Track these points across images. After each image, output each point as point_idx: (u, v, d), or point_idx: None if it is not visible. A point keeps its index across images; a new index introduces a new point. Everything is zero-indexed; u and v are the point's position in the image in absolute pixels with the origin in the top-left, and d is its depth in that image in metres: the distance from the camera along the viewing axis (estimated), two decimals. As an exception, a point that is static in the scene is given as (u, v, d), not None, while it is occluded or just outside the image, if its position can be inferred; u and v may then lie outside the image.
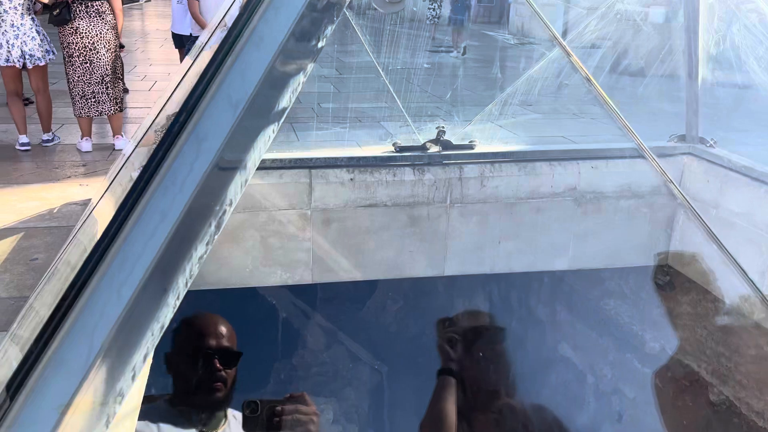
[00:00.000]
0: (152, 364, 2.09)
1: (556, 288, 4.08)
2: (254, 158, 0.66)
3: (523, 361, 4.16)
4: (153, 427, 2.22)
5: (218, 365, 2.37)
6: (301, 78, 0.70)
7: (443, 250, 2.68)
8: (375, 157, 2.51)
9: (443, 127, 2.61)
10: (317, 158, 2.44)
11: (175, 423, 2.28)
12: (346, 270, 2.57)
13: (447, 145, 2.62)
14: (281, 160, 2.42)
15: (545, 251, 2.84)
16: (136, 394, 1.59)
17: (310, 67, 0.71)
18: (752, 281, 2.30)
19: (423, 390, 4.20)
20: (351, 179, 2.47)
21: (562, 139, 3.53)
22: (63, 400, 0.50)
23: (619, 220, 2.82)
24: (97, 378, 0.52)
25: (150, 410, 2.28)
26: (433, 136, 2.61)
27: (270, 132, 0.66)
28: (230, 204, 0.67)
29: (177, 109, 0.64)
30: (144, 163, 0.61)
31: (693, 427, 3.32)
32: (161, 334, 0.64)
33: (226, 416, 2.42)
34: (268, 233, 2.45)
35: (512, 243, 2.77)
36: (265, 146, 0.68)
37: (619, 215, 2.80)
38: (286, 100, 0.68)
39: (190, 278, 0.65)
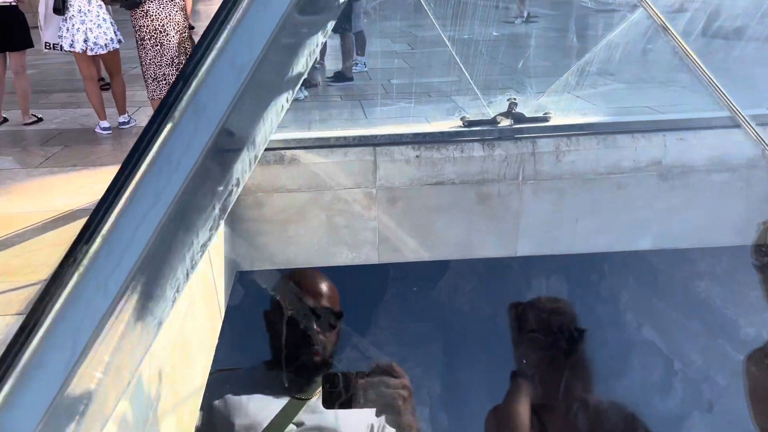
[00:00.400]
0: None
1: (640, 269, 3.85)
2: (264, 132, 0.58)
3: (604, 347, 3.96)
4: (242, 397, 2.13)
5: (316, 327, 2.25)
6: (319, 38, 0.60)
7: (515, 229, 2.55)
8: (442, 133, 2.40)
9: (515, 99, 2.46)
10: (381, 135, 2.35)
11: (268, 389, 2.19)
12: (413, 250, 2.48)
13: (519, 118, 2.47)
14: (345, 138, 2.35)
15: (627, 230, 2.64)
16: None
17: (329, 25, 0.62)
18: None
19: (496, 374, 4.08)
20: (417, 156, 2.37)
21: (647, 109, 3.27)
22: (41, 405, 0.45)
23: (710, 196, 2.58)
24: (80, 383, 0.46)
25: (239, 377, 2.25)
26: (504, 108, 2.46)
27: (283, 101, 0.57)
28: (237, 184, 0.58)
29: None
30: (136, 140, 0.53)
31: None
32: (158, 331, 0.57)
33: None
34: (334, 212, 2.40)
35: (591, 221, 2.60)
36: (277, 118, 0.59)
37: (710, 191, 2.57)
38: (302, 65, 0.58)
39: (192, 268, 0.57)
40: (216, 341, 1.84)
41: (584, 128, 2.47)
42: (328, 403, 1.68)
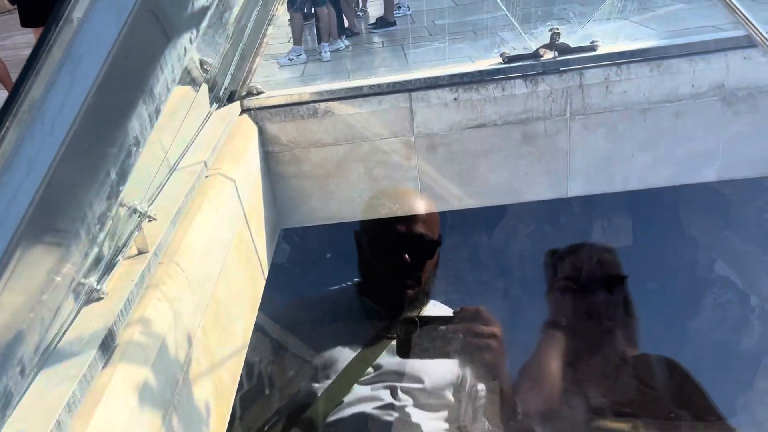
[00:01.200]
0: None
1: (707, 202, 3.62)
2: (164, 80, 0.50)
3: (674, 287, 3.80)
4: (316, 327, 2.06)
5: (408, 259, 2.16)
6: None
7: (565, 168, 2.42)
8: (480, 72, 2.28)
9: (557, 29, 2.30)
10: (416, 79, 2.26)
11: (350, 320, 2.10)
12: (457, 197, 2.41)
13: (563, 50, 2.31)
14: (378, 86, 2.27)
15: (689, 161, 2.47)
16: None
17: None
18: None
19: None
20: (455, 99, 2.26)
21: (711, 29, 3.00)
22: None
23: (781, 119, 2.37)
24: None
25: (312, 305, 2.19)
26: (547, 40, 2.31)
27: (185, 43, 0.50)
28: (137, 144, 0.52)
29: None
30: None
31: None
32: (62, 335, 0.53)
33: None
34: (372, 164, 2.35)
35: (647, 155, 2.43)
36: (179, 63, 0.51)
37: (781, 113, 2.35)
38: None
39: (95, 245, 0.52)
40: (258, 301, 1.85)
41: (635, 55, 2.29)
42: (404, 350, 1.54)
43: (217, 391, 1.37)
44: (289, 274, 2.86)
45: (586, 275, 2.30)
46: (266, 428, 1.90)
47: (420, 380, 1.93)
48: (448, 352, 1.62)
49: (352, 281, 2.25)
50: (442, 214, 2.81)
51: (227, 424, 1.45)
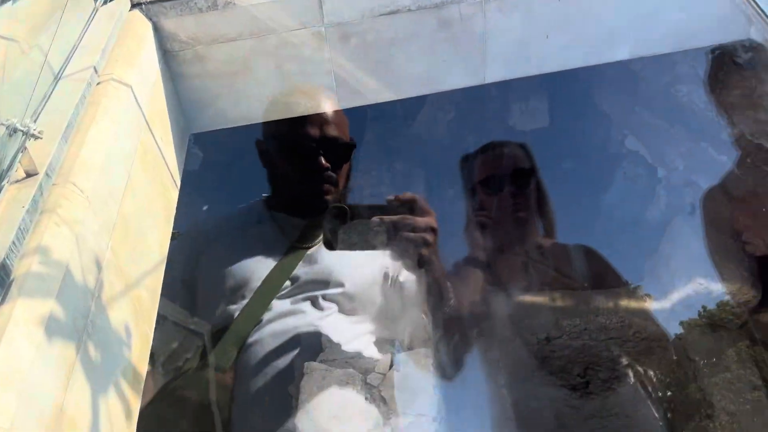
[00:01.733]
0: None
1: (620, 80, 3.69)
2: None
3: (589, 163, 3.93)
4: (226, 251, 1.98)
5: (324, 163, 2.04)
6: None
7: (482, 53, 2.37)
8: (389, -47, 2.14)
9: None
10: (321, -37, 2.10)
11: (260, 237, 2.02)
12: (374, 90, 2.33)
13: (475, -74, 2.19)
14: (280, -28, 2.10)
15: (602, 41, 2.46)
16: None
17: None
18: None
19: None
20: (366, -17, 2.13)
21: None
22: None
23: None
24: None
25: (219, 228, 2.10)
26: None
27: None
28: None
29: None
30: None
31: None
32: None
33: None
34: (282, 59, 2.21)
35: (562, 36, 2.41)
36: None
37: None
38: None
39: None
40: (172, 212, 1.76)
41: (548, -70, 2.20)
42: (333, 242, 1.46)
43: (136, 311, 1.32)
44: (204, 181, 2.75)
45: (497, 174, 2.33)
46: (186, 357, 1.83)
47: (341, 284, 1.88)
48: (378, 245, 1.56)
49: (261, 198, 2.17)
50: (361, 109, 2.73)
51: (151, 341, 1.41)
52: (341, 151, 2.02)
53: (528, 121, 4.40)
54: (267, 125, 2.17)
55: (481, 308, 2.28)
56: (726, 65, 2.97)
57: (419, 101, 4.22)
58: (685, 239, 3.40)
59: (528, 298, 2.93)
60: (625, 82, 3.69)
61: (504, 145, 2.65)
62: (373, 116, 4.24)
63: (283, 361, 1.75)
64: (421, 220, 1.54)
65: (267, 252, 1.93)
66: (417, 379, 2.23)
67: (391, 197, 1.58)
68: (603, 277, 2.53)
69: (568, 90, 3.88)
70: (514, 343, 2.73)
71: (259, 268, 1.89)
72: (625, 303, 3.53)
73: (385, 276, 1.99)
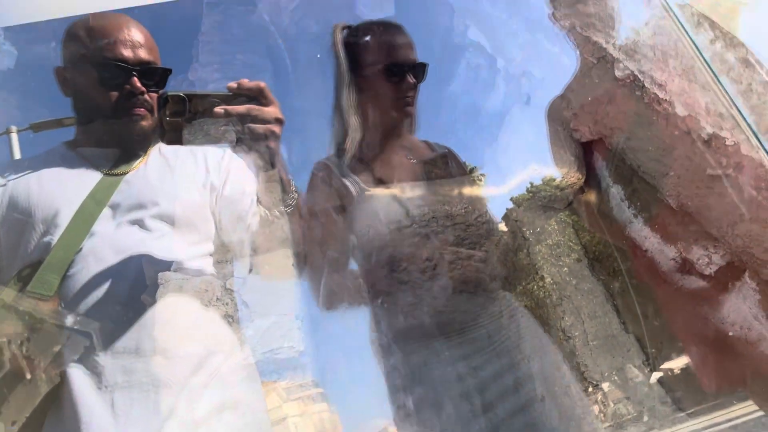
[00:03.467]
0: None
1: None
2: None
3: (432, 55, 3.97)
4: (30, 183, 1.78)
5: (139, 86, 1.88)
6: None
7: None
8: None
9: None
10: None
11: (71, 170, 1.86)
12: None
13: None
14: None
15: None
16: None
17: None
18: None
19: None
20: None
21: None
22: None
23: None
24: None
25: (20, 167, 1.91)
26: None
27: None
28: None
29: None
30: None
31: (600, 101, 3.37)
32: None
33: (145, 151, 1.99)
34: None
35: None
36: None
37: None
38: None
39: None
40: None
41: None
42: (171, 136, 1.36)
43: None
44: (19, 78, 2.42)
45: (403, 62, 2.26)
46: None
47: (166, 204, 1.79)
48: (224, 140, 1.47)
49: (60, 144, 1.95)
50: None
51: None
52: (157, 76, 1.87)
53: (375, 8, 4.32)
54: (69, 50, 1.92)
55: (334, 203, 2.30)
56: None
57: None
58: (522, 128, 3.63)
59: (381, 191, 3.01)
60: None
61: (400, 31, 2.55)
62: (212, 2, 3.92)
63: (118, 283, 1.65)
64: (267, 110, 1.47)
65: (78, 186, 1.77)
66: (277, 280, 2.24)
67: (234, 84, 1.48)
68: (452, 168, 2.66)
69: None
70: (368, 235, 2.81)
71: (71, 200, 1.73)
72: (468, 190, 3.77)
73: (212, 188, 1.93)
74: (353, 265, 2.47)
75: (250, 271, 2.28)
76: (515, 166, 3.55)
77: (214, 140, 1.39)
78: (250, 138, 1.56)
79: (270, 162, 1.68)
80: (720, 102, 2.56)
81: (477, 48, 4.18)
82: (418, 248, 2.99)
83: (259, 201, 1.86)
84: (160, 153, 2.00)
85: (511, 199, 3.65)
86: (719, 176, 2.74)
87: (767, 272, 2.74)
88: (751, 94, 2.31)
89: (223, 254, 2.36)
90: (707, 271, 3.15)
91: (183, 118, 1.31)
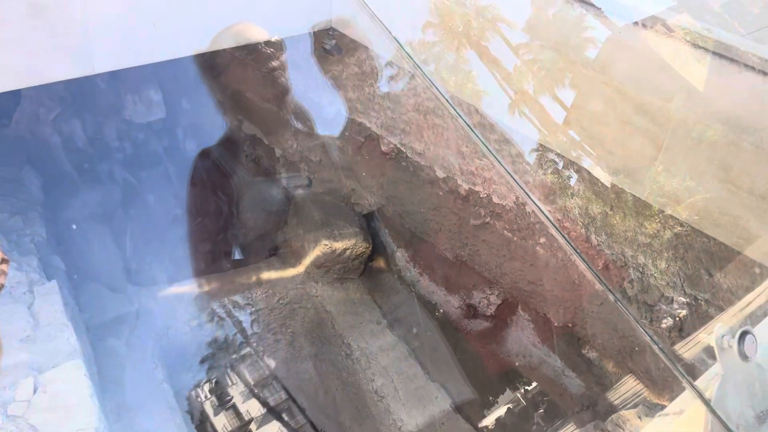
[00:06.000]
0: None
1: (230, 66, 3.89)
2: None
3: (213, 145, 4.04)
4: None
5: None
6: None
7: (86, 42, 2.25)
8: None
9: None
10: None
11: None
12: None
13: None
14: None
15: (210, 29, 2.58)
16: None
17: None
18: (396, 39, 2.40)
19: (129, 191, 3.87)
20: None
21: None
22: None
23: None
24: None
25: None
26: None
27: None
28: None
29: None
30: None
31: (373, 174, 3.69)
32: None
33: None
34: None
35: (170, 24, 2.44)
36: None
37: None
38: None
39: None
40: None
41: None
42: None
43: None
44: None
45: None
46: None
47: None
48: None
49: None
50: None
51: None
52: None
53: (143, 112, 4.30)
54: None
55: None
56: (317, 51, 3.40)
57: (13, 97, 3.75)
58: (307, 210, 3.82)
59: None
60: (234, 69, 3.91)
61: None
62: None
63: None
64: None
65: None
66: (69, 394, 2.05)
67: None
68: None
69: (179, 78, 3.91)
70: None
71: None
72: (265, 275, 3.82)
73: None
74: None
75: (35, 391, 2.07)
76: (307, 244, 3.70)
77: None
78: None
79: None
80: (470, 160, 2.97)
81: (253, 140, 4.31)
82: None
83: None
84: None
85: (308, 275, 3.77)
86: (481, 225, 3.15)
87: (534, 302, 3.17)
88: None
89: None
90: (488, 312, 3.53)
91: None
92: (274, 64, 3.13)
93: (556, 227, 2.50)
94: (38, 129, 4.00)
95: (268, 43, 2.84)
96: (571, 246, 2.45)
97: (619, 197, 2.48)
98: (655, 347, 2.23)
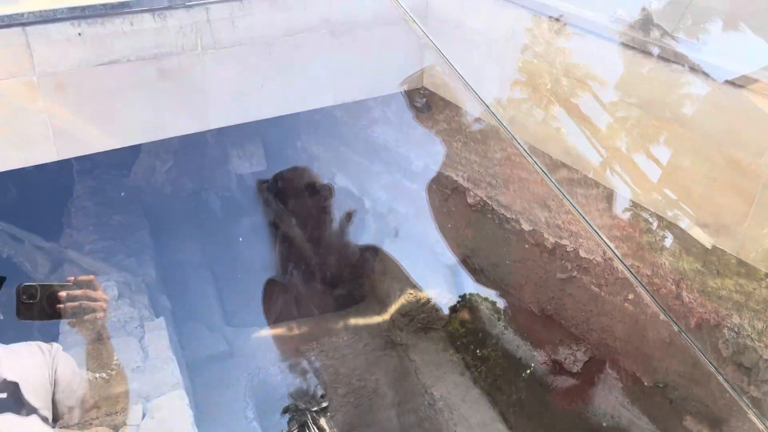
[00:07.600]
0: None
1: (326, 123, 4.15)
2: None
3: (303, 203, 4.28)
4: None
5: None
6: None
7: (204, 101, 2.52)
8: (104, 5, 2.17)
9: (177, -38, 2.32)
10: (30, 13, 2.04)
11: None
12: (97, 138, 2.30)
13: (187, -16, 2.35)
14: (-18, 20, 1.99)
15: (309, 89, 2.80)
16: None
17: None
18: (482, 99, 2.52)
19: (212, 246, 4.17)
20: (79, 34, 2.12)
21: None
22: None
23: (374, 48, 2.84)
24: None
25: None
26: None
27: None
28: None
29: None
30: None
31: (459, 226, 3.79)
32: None
33: None
34: (-11, 109, 2.07)
35: (275, 85, 2.68)
36: None
37: (374, 43, 2.82)
38: None
39: None
40: None
41: (255, -9, 2.46)
42: (24, 314, 1.59)
43: None
44: None
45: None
46: None
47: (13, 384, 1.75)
48: (64, 314, 1.78)
49: None
50: (79, 158, 2.64)
51: None
52: None
53: (245, 164, 4.63)
54: None
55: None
56: (409, 108, 3.59)
57: (134, 151, 4.15)
58: (392, 259, 3.94)
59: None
60: (330, 126, 4.16)
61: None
62: (84, 169, 4.03)
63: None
64: (96, 293, 1.75)
65: None
66: (174, 421, 2.23)
67: (72, 278, 1.81)
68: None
69: (281, 134, 4.21)
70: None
71: None
72: (353, 321, 3.94)
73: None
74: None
75: (144, 416, 2.25)
76: (392, 293, 3.80)
77: (59, 315, 1.72)
78: (83, 312, 1.82)
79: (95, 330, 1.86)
80: (556, 214, 3.01)
81: (346, 192, 4.53)
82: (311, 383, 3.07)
83: None
84: None
85: (393, 324, 3.85)
86: (567, 279, 3.14)
87: (622, 360, 3.10)
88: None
89: (113, 406, 2.32)
90: (575, 369, 3.47)
91: (34, 302, 1.67)
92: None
93: (638, 281, 2.48)
94: (153, 179, 4.40)
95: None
96: (655, 301, 2.42)
97: (713, 254, 2.43)
98: (750, 413, 2.15)
